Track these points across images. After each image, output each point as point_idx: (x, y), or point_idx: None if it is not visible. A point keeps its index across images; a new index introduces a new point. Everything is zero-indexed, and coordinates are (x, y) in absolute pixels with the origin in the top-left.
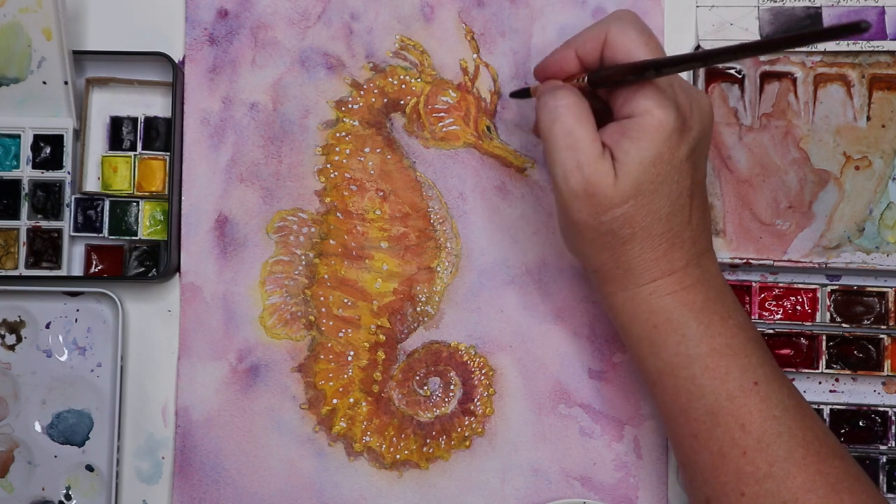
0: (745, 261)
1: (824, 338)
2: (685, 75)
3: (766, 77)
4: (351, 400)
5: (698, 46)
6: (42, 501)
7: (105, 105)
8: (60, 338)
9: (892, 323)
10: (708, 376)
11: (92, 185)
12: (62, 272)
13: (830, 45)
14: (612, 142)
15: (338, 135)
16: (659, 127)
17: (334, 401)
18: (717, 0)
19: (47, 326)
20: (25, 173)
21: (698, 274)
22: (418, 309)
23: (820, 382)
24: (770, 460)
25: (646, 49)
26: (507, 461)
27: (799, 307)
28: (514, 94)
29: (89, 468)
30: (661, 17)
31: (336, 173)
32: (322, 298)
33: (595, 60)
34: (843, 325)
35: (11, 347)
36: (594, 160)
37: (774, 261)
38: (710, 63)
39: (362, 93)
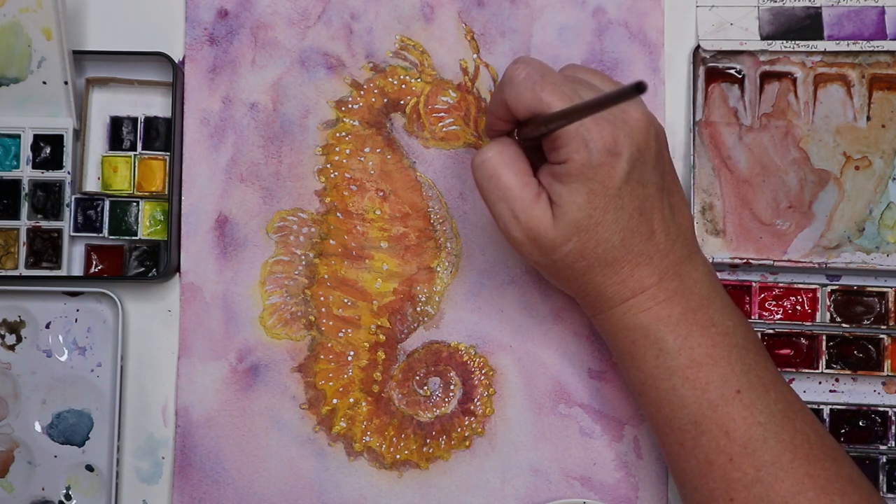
0: (745, 261)
1: (824, 338)
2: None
3: (766, 77)
4: (351, 400)
5: (698, 47)
6: (42, 501)
7: (105, 105)
8: (60, 338)
9: (892, 323)
10: (688, 387)
11: (92, 185)
12: (62, 272)
13: (830, 45)
14: (546, 184)
15: (338, 135)
16: (581, 168)
17: (334, 401)
18: (717, 0)
19: (47, 326)
20: (25, 173)
21: (675, 286)
22: (418, 309)
23: (820, 382)
24: (757, 465)
25: (542, 103)
26: (507, 461)
27: (799, 307)
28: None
29: (89, 468)
30: (661, 17)
31: (336, 173)
32: (322, 298)
33: (515, 119)
34: (843, 325)
35: (11, 347)
36: (528, 206)
37: (774, 261)
38: (569, 121)
39: (362, 93)
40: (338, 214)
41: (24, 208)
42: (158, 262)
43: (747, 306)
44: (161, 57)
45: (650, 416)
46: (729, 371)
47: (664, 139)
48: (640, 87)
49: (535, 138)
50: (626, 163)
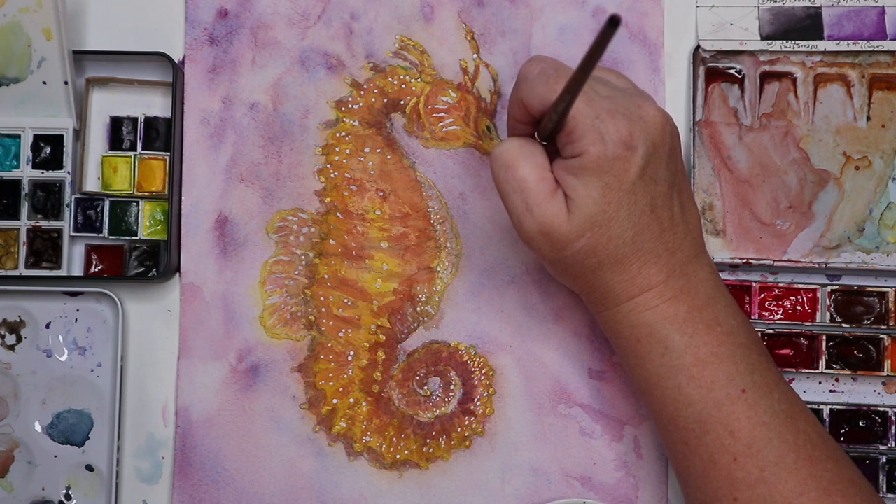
0: (745, 261)
1: (824, 338)
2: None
3: (766, 77)
4: (351, 400)
5: (698, 47)
6: (42, 501)
7: (105, 105)
8: (60, 338)
9: (892, 323)
10: (693, 386)
11: (92, 185)
12: (62, 272)
13: (830, 45)
14: (561, 179)
15: (338, 135)
16: (597, 161)
17: (334, 401)
18: (717, 0)
19: (47, 326)
20: (25, 173)
21: (682, 284)
22: (418, 309)
23: (820, 382)
24: (761, 465)
25: (555, 95)
26: (507, 461)
27: (799, 307)
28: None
29: (89, 468)
30: (661, 17)
31: (336, 173)
32: (322, 298)
33: (533, 117)
34: (843, 325)
35: (11, 347)
36: (543, 200)
37: (774, 261)
38: (573, 99)
39: (362, 93)
40: (338, 214)
41: (24, 208)
42: (158, 262)
43: (747, 306)
44: (161, 57)
45: (654, 414)
46: (734, 370)
47: (678, 138)
48: (614, 21)
49: (552, 132)
50: (642, 157)
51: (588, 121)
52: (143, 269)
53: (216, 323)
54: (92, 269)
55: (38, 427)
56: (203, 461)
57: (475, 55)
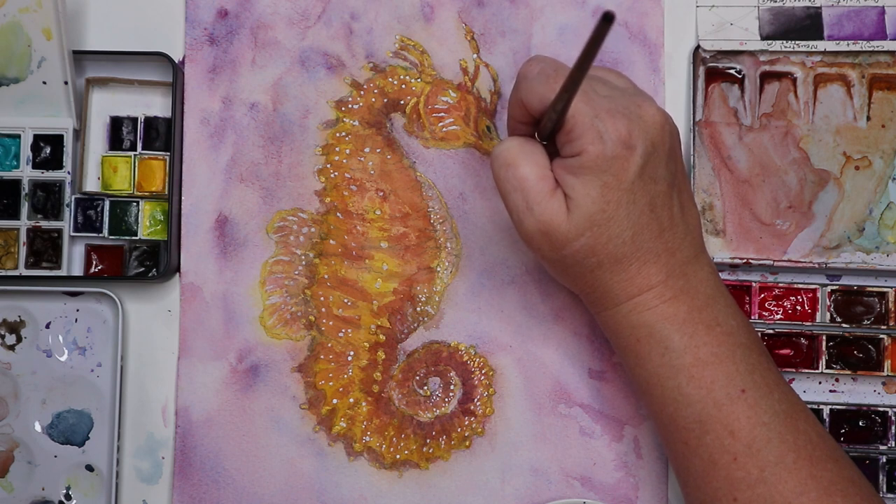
0: (745, 261)
1: (824, 338)
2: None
3: (766, 77)
4: (351, 400)
5: (698, 47)
6: (42, 501)
7: (105, 105)
8: (60, 338)
9: (892, 323)
10: (693, 386)
11: (92, 185)
12: (62, 272)
13: (830, 45)
14: (560, 178)
15: (338, 135)
16: (596, 161)
17: (334, 401)
18: (717, 0)
19: (47, 326)
20: (25, 173)
21: (681, 285)
22: (418, 309)
23: (820, 382)
24: (761, 465)
25: (554, 94)
26: (507, 461)
27: (799, 307)
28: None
29: (89, 468)
30: (661, 17)
31: (336, 173)
32: (322, 298)
33: (533, 117)
34: (843, 325)
35: (11, 347)
36: (543, 199)
37: (774, 261)
38: (572, 94)
39: (362, 93)
40: (338, 214)
41: (24, 208)
42: (158, 262)
43: (747, 306)
44: (161, 57)
45: (654, 414)
46: (734, 370)
47: (678, 138)
48: (608, 17)
49: (552, 132)
50: (640, 157)
51: (587, 120)
52: (143, 269)
53: (216, 323)
54: (92, 269)
55: (38, 427)
56: (203, 461)
57: (475, 55)
